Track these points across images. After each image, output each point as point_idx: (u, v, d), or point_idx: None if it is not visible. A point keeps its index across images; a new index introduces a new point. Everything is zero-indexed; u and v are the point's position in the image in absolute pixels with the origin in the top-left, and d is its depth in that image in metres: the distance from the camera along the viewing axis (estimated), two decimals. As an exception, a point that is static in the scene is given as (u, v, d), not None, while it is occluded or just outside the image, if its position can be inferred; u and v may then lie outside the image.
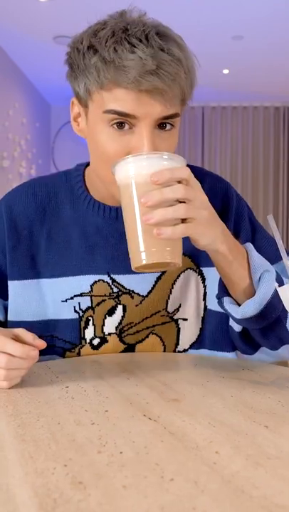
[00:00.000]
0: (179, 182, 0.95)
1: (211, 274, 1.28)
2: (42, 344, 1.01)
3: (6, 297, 1.29)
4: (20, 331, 1.02)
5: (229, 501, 0.58)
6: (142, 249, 0.94)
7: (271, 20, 5.18)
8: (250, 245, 1.13)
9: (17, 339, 1.00)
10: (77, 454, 0.70)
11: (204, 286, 1.31)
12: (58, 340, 1.28)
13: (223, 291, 1.15)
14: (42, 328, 1.27)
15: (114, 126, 1.06)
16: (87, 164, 1.32)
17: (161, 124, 1.08)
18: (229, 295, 1.14)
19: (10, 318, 1.29)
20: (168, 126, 1.09)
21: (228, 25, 5.33)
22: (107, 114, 1.05)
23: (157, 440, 0.75)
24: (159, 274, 1.27)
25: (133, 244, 0.96)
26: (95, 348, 1.28)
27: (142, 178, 0.94)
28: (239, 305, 1.12)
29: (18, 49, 6.02)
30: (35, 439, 0.75)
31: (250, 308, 1.07)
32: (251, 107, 8.51)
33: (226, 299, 1.14)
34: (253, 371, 1.13)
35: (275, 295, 1.06)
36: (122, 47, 1.01)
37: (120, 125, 1.06)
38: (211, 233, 1.00)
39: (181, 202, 0.94)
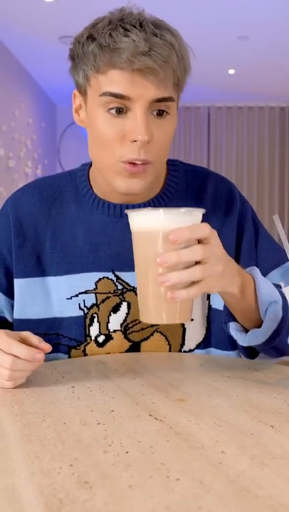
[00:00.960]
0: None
1: None
2: (47, 347, 1.01)
3: (14, 297, 1.31)
4: (27, 334, 1.03)
5: (235, 501, 0.58)
6: (151, 307, 0.94)
7: (276, 20, 5.17)
8: (257, 273, 1.12)
9: (23, 341, 1.01)
10: (83, 453, 0.70)
11: None
12: (64, 338, 1.28)
13: (229, 315, 1.15)
14: (47, 326, 1.28)
15: (111, 111, 1.10)
16: (91, 164, 1.33)
17: (158, 112, 1.11)
18: (235, 319, 1.15)
19: (15, 316, 1.30)
20: (164, 113, 1.12)
21: (233, 25, 5.32)
22: (103, 97, 1.09)
23: (163, 440, 0.75)
24: None
25: (143, 299, 0.95)
26: (100, 345, 1.28)
27: (158, 234, 0.91)
28: (245, 329, 1.14)
29: (23, 49, 6.03)
30: (41, 439, 0.75)
31: (255, 338, 1.10)
32: (257, 107, 8.50)
33: (231, 325, 1.14)
34: (258, 371, 1.13)
35: (280, 324, 1.09)
36: (117, 32, 1.06)
37: (116, 110, 1.09)
38: (223, 283, 0.99)
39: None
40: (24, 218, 1.30)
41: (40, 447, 0.73)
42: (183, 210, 0.92)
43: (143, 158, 1.10)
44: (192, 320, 1.30)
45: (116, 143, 1.10)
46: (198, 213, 0.95)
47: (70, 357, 1.29)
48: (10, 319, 1.31)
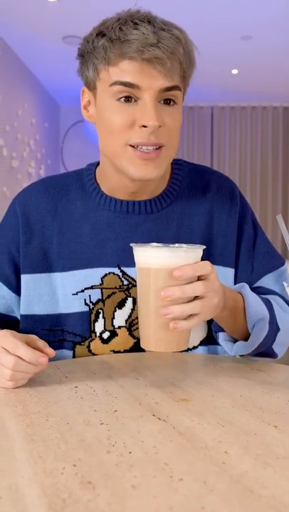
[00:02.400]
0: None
1: None
2: (52, 352, 1.04)
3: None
4: (33, 337, 1.06)
5: (238, 501, 0.58)
6: (151, 336, 0.98)
7: (280, 20, 5.17)
8: (247, 292, 1.20)
9: (29, 344, 1.02)
10: (86, 454, 0.70)
11: None
12: (68, 334, 1.29)
13: (219, 326, 1.22)
14: (52, 322, 1.29)
15: (121, 99, 1.14)
16: (98, 164, 1.35)
17: (165, 100, 1.16)
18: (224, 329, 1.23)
19: (21, 312, 1.30)
20: (171, 102, 1.17)
21: (236, 25, 5.32)
22: (113, 87, 1.14)
23: (166, 440, 0.75)
24: None
25: (144, 327, 1.00)
26: (105, 342, 1.28)
27: (162, 270, 0.96)
28: (234, 338, 1.24)
29: (27, 49, 6.03)
30: (45, 439, 0.76)
31: (242, 349, 1.19)
32: (260, 106, 8.49)
33: (220, 335, 1.24)
34: (262, 371, 1.13)
35: (265, 338, 1.19)
36: (127, 25, 1.11)
37: (126, 99, 1.14)
38: (217, 311, 1.06)
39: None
40: (31, 215, 1.31)
41: (44, 447, 0.73)
42: (184, 246, 0.99)
43: (154, 141, 1.14)
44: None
45: (125, 129, 1.14)
46: (199, 250, 1.00)
47: (74, 353, 1.30)
48: (19, 318, 1.32)
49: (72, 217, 1.31)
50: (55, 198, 1.33)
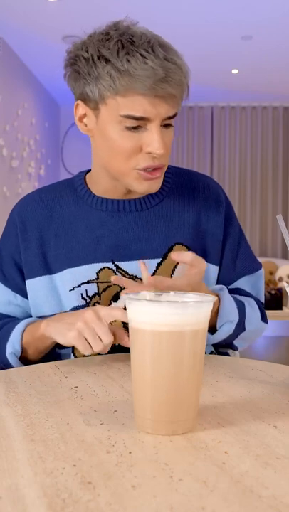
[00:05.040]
0: None
1: None
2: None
3: None
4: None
5: (238, 501, 0.58)
6: (149, 416, 0.79)
7: (280, 20, 5.17)
8: (224, 295, 1.32)
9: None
10: (86, 454, 0.70)
11: None
12: None
13: None
14: None
15: (128, 127, 1.19)
16: (87, 171, 1.43)
17: (165, 125, 1.23)
18: None
19: (32, 314, 1.37)
20: (170, 126, 1.24)
21: (237, 25, 5.32)
22: (124, 118, 1.18)
23: (166, 440, 0.75)
24: (159, 260, 1.34)
25: (139, 404, 0.81)
26: None
27: (162, 331, 0.78)
28: None
29: (27, 49, 6.04)
30: (45, 439, 0.75)
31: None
32: (260, 106, 8.50)
33: None
34: (262, 371, 1.13)
35: (229, 337, 1.33)
36: (135, 58, 1.13)
37: (135, 127, 1.19)
38: None
39: None
40: (28, 223, 1.39)
41: (44, 447, 0.73)
42: (191, 297, 0.86)
43: (158, 164, 1.22)
44: None
45: (132, 154, 1.21)
46: (210, 299, 0.82)
47: (73, 346, 1.32)
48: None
49: (66, 220, 1.37)
50: (49, 204, 1.40)
